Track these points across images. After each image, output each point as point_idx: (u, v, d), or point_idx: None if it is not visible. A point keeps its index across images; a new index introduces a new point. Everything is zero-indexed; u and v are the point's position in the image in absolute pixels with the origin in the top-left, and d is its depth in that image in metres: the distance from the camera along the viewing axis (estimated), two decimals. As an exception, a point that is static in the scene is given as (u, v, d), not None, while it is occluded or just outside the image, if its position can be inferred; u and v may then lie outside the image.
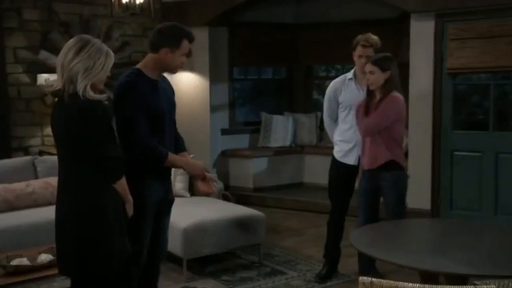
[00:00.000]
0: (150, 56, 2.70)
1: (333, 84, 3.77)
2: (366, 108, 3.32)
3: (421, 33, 4.92)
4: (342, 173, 3.72)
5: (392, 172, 3.30)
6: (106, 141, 2.32)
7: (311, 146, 6.39)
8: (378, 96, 3.29)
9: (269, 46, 6.40)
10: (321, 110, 4.51)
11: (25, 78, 5.34)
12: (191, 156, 3.09)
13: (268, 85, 7.25)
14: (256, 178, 6.14)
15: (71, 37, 5.60)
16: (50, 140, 5.55)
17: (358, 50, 3.58)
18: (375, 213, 3.46)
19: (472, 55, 4.75)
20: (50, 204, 4.20)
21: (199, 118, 6.07)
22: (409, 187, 5.03)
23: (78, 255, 2.38)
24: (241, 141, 6.36)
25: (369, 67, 3.27)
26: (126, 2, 5.00)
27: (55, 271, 3.11)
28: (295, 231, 5.06)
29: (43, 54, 5.35)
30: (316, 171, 6.21)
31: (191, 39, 2.67)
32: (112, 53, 2.42)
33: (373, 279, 1.92)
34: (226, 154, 6.21)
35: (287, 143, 6.38)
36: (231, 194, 5.08)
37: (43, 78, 5.40)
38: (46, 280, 3.47)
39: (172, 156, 2.68)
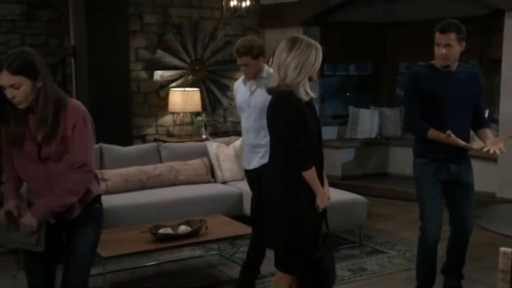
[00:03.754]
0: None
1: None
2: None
3: (516, 31, 5.10)
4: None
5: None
6: (289, 134, 2.49)
7: (395, 138, 6.74)
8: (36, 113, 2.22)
9: (358, 44, 6.80)
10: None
11: (143, 75, 6.04)
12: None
13: (355, 81, 7.66)
14: (344, 167, 6.57)
15: (182, 37, 6.34)
16: (163, 129, 6.23)
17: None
18: None
19: None
20: (173, 185, 4.84)
21: (292, 111, 6.55)
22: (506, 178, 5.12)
23: (267, 232, 2.71)
24: (330, 132, 6.80)
25: (6, 80, 2.15)
26: (234, 6, 5.57)
27: (193, 240, 3.68)
28: (387, 216, 5.46)
29: (159, 53, 6.02)
30: (400, 162, 6.56)
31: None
32: (319, 46, 2.56)
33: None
34: (316, 145, 6.67)
35: (373, 135, 6.75)
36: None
37: (158, 74, 6.09)
38: (186, 248, 4.07)
39: (434, 132, 3.02)
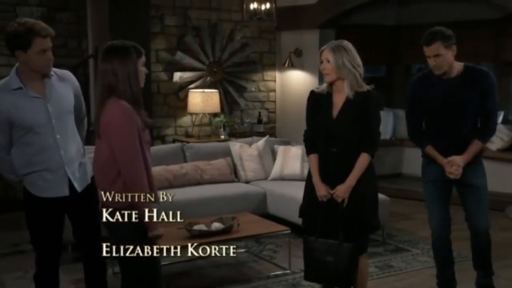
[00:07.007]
0: None
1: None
2: None
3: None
4: None
5: None
6: (306, 122, 3.05)
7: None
8: None
9: (371, 46, 6.87)
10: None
11: (163, 76, 6.11)
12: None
13: (369, 82, 7.73)
14: (359, 168, 6.64)
15: (201, 39, 6.41)
16: (182, 130, 6.30)
17: None
18: None
19: None
20: (198, 184, 4.91)
21: (308, 112, 6.64)
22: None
23: None
24: (345, 134, 6.86)
25: None
26: (254, 8, 5.65)
27: (226, 236, 3.76)
28: (404, 215, 5.54)
29: (179, 55, 6.09)
30: (414, 163, 6.55)
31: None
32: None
33: None
34: (332, 146, 6.75)
35: (388, 136, 6.84)
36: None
37: (177, 75, 6.15)
38: (219, 243, 4.10)
39: (430, 150, 3.16)
